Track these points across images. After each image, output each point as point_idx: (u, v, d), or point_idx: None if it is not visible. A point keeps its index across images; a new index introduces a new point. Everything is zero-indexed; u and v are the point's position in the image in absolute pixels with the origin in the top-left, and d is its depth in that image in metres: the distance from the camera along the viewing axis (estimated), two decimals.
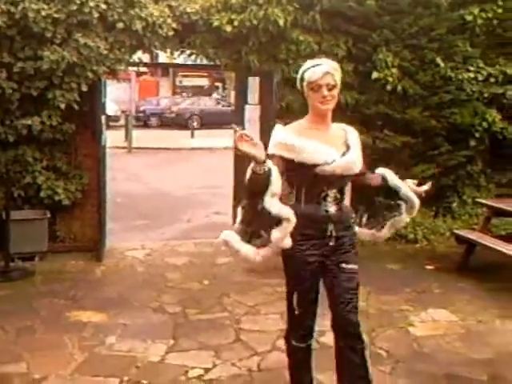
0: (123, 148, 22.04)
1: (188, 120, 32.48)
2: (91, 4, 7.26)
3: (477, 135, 9.11)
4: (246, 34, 8.18)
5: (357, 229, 3.99)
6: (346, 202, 3.88)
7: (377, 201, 4.14)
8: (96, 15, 7.36)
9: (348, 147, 3.78)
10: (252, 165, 3.41)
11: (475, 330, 5.78)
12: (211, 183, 13.91)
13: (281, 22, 8.03)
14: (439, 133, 9.01)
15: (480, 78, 9.02)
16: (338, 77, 3.76)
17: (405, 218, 4.11)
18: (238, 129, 3.39)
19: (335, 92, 3.75)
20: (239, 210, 3.71)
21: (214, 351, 5.16)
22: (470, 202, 9.33)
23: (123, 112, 29.38)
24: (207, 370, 4.82)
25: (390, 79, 8.40)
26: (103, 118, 7.86)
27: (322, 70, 3.71)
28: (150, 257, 7.99)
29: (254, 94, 8.35)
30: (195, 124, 30.61)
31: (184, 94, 43.18)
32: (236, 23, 8.03)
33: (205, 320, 5.87)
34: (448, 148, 9.07)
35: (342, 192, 3.79)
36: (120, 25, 7.56)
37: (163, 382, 4.61)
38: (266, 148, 3.54)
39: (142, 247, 8.39)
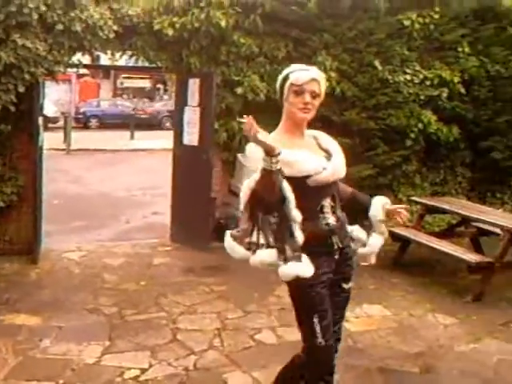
0: (62, 150, 21.77)
1: (161, 120, 33.88)
2: (31, 5, 7.14)
3: (412, 136, 9.30)
4: (187, 36, 8.17)
5: None
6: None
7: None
8: (35, 17, 7.23)
9: (327, 152, 3.57)
10: (264, 161, 3.10)
11: (408, 324, 5.90)
12: (150, 184, 13.87)
13: (222, 25, 8.04)
14: (376, 134, 9.16)
15: (416, 80, 9.21)
16: (323, 87, 3.49)
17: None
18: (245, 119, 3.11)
19: (317, 102, 3.47)
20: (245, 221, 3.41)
21: (150, 351, 5.14)
22: (405, 201, 9.49)
23: (63, 113, 29.01)
24: (143, 371, 4.80)
25: (329, 82, 8.51)
26: (40, 119, 7.76)
27: (310, 75, 3.43)
28: (87, 258, 7.90)
29: (194, 96, 8.35)
30: (168, 124, 30.55)
31: (125, 95, 42.92)
32: (177, 26, 8.01)
33: (141, 320, 5.84)
34: (384, 149, 9.22)
35: (335, 200, 3.54)
36: (59, 26, 7.45)
37: None
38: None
39: (79, 249, 8.29)
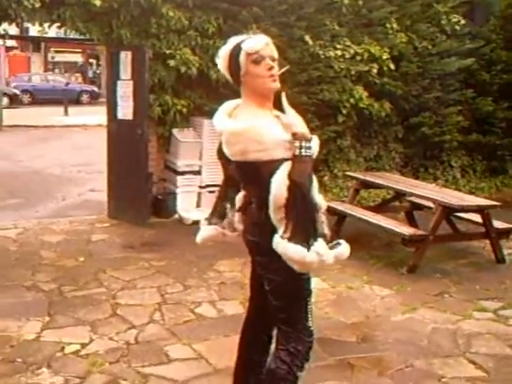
0: None
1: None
2: None
3: (344, 111, 9.47)
4: (117, 7, 8.08)
5: None
6: None
7: None
8: None
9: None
10: (297, 149, 2.90)
11: (345, 296, 6.05)
12: (85, 161, 13.74)
13: None
14: (309, 109, 9.24)
15: (347, 55, 9.36)
16: (275, 52, 3.18)
17: None
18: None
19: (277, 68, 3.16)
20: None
21: (90, 326, 5.14)
22: (340, 176, 9.67)
23: None
24: (84, 345, 4.80)
25: None
26: None
27: (263, 40, 3.12)
28: (23, 236, 7.80)
29: (126, 69, 8.28)
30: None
31: (56, 70, 42.09)
32: None
33: (81, 296, 5.82)
34: (318, 124, 9.33)
35: None
36: None
37: (39, 359, 4.56)
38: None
39: (15, 226, 8.17)
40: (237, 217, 3.41)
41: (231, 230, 3.46)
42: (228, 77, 3.25)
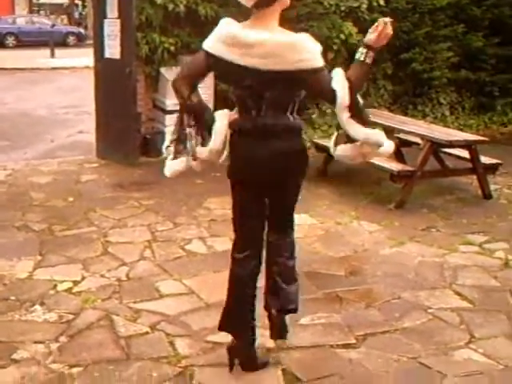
0: None
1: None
2: None
3: (334, 47, 9.38)
4: None
5: None
6: None
7: None
8: None
9: None
10: (369, 56, 3.37)
11: (334, 231, 6.12)
12: (73, 103, 13.64)
13: None
14: None
15: None
16: None
17: None
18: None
19: None
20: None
21: (82, 264, 5.20)
22: (329, 113, 9.62)
23: None
24: (76, 283, 4.86)
25: None
26: None
27: None
28: (12, 177, 7.78)
29: (112, 8, 8.16)
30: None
31: (41, 12, 41.44)
32: None
33: (71, 235, 5.86)
34: None
35: None
36: None
37: (32, 297, 4.61)
38: None
39: (4, 168, 8.14)
40: (217, 142, 3.45)
41: (193, 157, 3.52)
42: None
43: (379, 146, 3.46)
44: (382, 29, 3.37)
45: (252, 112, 3.43)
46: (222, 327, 3.78)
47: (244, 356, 3.74)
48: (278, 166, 3.50)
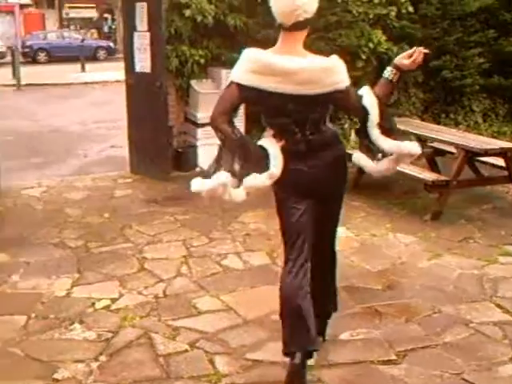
0: (11, 86, 21.31)
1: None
2: None
3: (363, 56, 9.32)
4: None
5: None
6: None
7: None
8: None
9: None
10: (391, 74, 3.75)
11: (370, 244, 6.07)
12: (105, 117, 13.76)
13: None
14: (327, 55, 9.12)
15: None
16: None
17: None
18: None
19: None
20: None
21: (119, 281, 5.22)
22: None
23: (9, 48, 28.27)
24: (114, 300, 4.88)
25: None
26: None
27: None
28: (47, 194, 7.86)
29: (142, 21, 8.21)
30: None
31: (71, 26, 41.91)
32: None
33: (108, 252, 5.89)
34: None
35: None
36: None
37: (71, 315, 4.64)
38: None
39: (39, 185, 8.23)
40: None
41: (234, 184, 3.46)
42: (306, 16, 3.63)
43: (412, 155, 3.70)
44: (416, 57, 3.63)
45: (298, 134, 3.56)
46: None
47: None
48: (332, 173, 3.67)
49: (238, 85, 3.43)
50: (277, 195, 3.72)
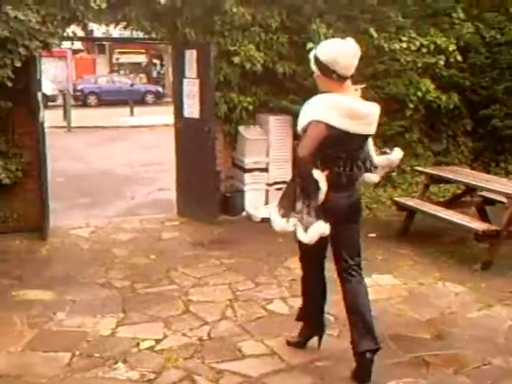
0: (62, 127, 21.73)
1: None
2: None
3: (411, 105, 9.32)
4: (180, 6, 8.14)
5: None
6: None
7: None
8: None
9: None
10: None
11: (418, 293, 5.96)
12: (153, 160, 13.91)
13: None
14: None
15: (413, 47, 9.19)
16: (313, 64, 4.20)
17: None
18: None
19: (316, 75, 4.24)
20: None
21: (164, 323, 5.21)
22: (408, 171, 9.54)
23: (60, 91, 28.94)
24: (158, 341, 4.87)
25: None
26: (40, 95, 7.74)
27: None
28: (95, 234, 7.95)
29: (191, 68, 8.34)
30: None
31: (121, 71, 42.75)
32: None
33: (153, 293, 5.90)
34: (384, 118, 9.19)
35: None
36: None
37: (115, 355, 4.64)
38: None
39: (87, 225, 8.33)
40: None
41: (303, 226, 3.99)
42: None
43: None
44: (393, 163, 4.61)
45: (346, 168, 4.12)
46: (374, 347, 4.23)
47: None
48: (358, 208, 4.42)
49: (327, 125, 3.92)
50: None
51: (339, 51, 4.09)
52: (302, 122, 4.10)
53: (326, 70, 4.08)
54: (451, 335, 5.02)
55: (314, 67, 4.18)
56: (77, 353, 4.67)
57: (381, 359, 4.40)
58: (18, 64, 7.20)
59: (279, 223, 4.03)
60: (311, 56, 4.19)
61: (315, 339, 4.71)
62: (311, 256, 4.44)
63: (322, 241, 4.07)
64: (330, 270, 4.93)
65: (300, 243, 4.15)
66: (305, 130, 4.03)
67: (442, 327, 5.15)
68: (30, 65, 7.40)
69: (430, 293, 5.96)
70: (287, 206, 4.01)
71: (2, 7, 7.08)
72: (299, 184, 3.97)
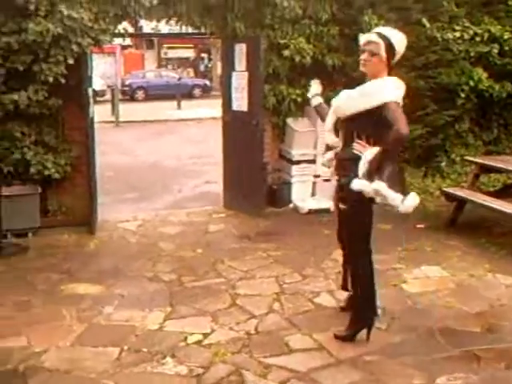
0: (110, 122, 21.93)
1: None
2: None
3: (463, 94, 9.16)
4: (230, 0, 8.13)
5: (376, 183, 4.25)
6: (357, 146, 4.35)
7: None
8: None
9: None
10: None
11: (467, 285, 5.86)
12: (200, 153, 13.94)
13: None
14: (426, 93, 9.01)
15: (466, 37, 9.04)
16: (383, 47, 4.38)
17: None
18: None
19: (376, 59, 4.39)
20: None
21: (211, 317, 5.21)
22: (458, 161, 9.39)
23: (109, 86, 29.18)
24: (206, 335, 4.87)
25: None
26: (90, 90, 7.81)
27: (367, 38, 4.46)
28: (143, 227, 8.00)
29: (241, 61, 8.32)
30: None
31: (169, 66, 43.00)
32: None
33: (200, 287, 5.91)
34: (435, 108, 9.09)
35: (348, 134, 4.47)
36: None
37: (163, 349, 4.65)
38: None
39: (134, 218, 8.38)
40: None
41: None
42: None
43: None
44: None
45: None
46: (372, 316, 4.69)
47: None
48: None
49: (398, 104, 4.35)
50: (364, 203, 4.42)
51: (405, 42, 4.52)
52: (359, 104, 4.36)
53: (393, 56, 4.45)
54: (502, 328, 4.92)
55: (380, 51, 4.37)
56: (125, 347, 4.69)
57: (430, 354, 4.33)
58: (71, 61, 7.29)
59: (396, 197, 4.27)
60: (376, 39, 4.40)
61: (363, 332, 4.66)
62: (367, 238, 4.63)
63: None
64: (377, 262, 4.92)
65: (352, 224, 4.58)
66: (369, 112, 4.30)
67: (493, 320, 5.06)
68: (81, 61, 7.47)
69: (480, 285, 5.85)
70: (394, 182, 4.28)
71: (56, 5, 7.16)
72: (393, 161, 4.34)
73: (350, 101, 4.46)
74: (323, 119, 4.97)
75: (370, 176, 4.21)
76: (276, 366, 4.37)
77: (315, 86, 5.36)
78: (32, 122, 7.67)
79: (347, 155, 4.42)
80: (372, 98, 4.29)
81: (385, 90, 4.29)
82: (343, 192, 4.51)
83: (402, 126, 4.08)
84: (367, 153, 4.23)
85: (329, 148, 4.88)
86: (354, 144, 4.35)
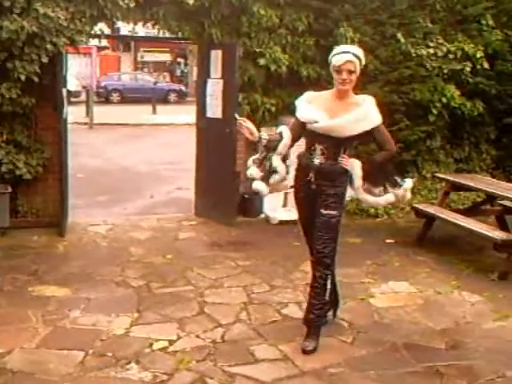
0: (84, 124, 21.84)
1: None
2: None
3: (435, 111, 9.23)
4: (208, 6, 8.15)
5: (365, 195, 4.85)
6: (343, 160, 4.71)
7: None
8: None
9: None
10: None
11: (434, 301, 5.91)
12: (173, 159, 13.92)
13: None
14: (399, 108, 9.08)
15: (440, 53, 9.14)
16: (358, 65, 4.59)
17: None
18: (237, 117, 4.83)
19: (354, 76, 4.60)
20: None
21: (178, 324, 5.20)
22: (429, 177, 9.47)
23: (84, 87, 29.09)
24: (172, 342, 4.86)
25: None
26: (64, 91, 7.77)
27: (344, 59, 4.54)
28: (113, 232, 7.97)
29: (216, 68, 8.33)
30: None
31: (145, 69, 42.89)
32: None
33: (169, 293, 5.89)
34: (407, 123, 9.16)
35: (334, 149, 4.69)
36: None
37: (128, 354, 4.63)
38: None
39: (105, 222, 8.35)
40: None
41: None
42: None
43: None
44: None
45: None
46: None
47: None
48: None
49: None
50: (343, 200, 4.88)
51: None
52: (358, 128, 4.65)
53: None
54: (466, 346, 4.97)
55: (357, 69, 4.61)
56: (90, 351, 4.67)
57: (395, 368, 4.37)
58: (45, 60, 7.26)
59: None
60: (353, 58, 4.57)
61: (328, 344, 4.69)
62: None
63: None
64: (339, 274, 4.98)
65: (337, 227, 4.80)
66: (367, 133, 4.69)
67: (457, 337, 5.10)
68: (56, 61, 7.44)
69: (446, 301, 5.91)
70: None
71: (32, 4, 7.12)
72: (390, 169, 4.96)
73: (352, 125, 4.64)
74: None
75: (370, 190, 4.81)
76: (240, 376, 4.37)
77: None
78: (4, 121, 7.63)
79: (336, 169, 4.73)
80: (367, 121, 4.68)
81: (373, 112, 4.72)
82: (330, 200, 4.74)
83: (392, 145, 4.82)
84: (356, 169, 4.72)
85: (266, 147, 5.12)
86: (340, 159, 4.71)
